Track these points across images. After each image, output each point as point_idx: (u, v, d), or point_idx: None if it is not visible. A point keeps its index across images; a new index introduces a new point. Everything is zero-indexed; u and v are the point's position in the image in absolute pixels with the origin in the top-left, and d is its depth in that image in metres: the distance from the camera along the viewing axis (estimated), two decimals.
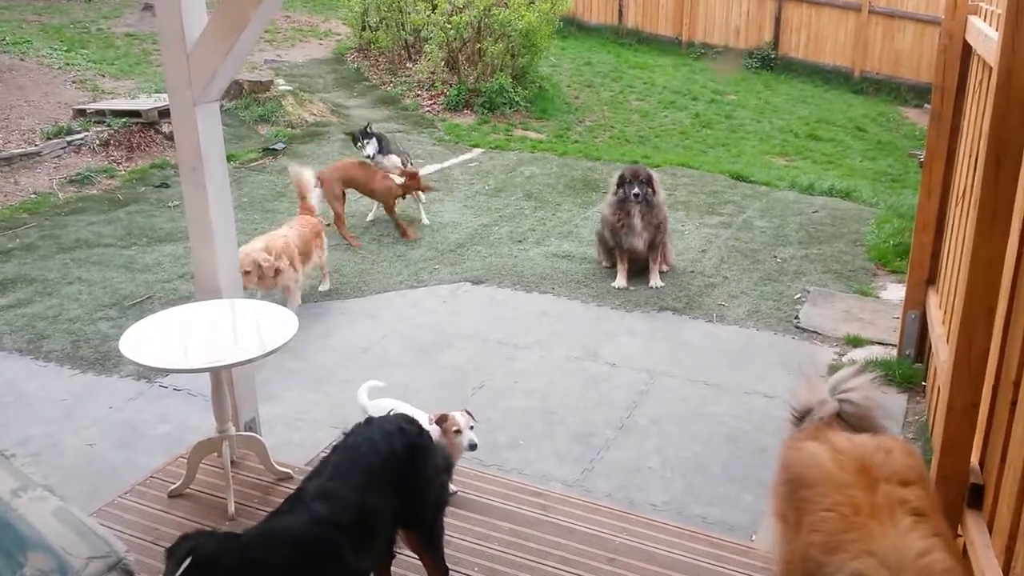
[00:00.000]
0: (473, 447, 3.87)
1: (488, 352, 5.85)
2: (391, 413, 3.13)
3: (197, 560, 2.38)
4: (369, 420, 3.05)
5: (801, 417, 3.14)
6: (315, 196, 6.90)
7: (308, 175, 6.79)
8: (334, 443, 2.99)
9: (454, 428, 3.85)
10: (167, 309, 4.17)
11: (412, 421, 3.08)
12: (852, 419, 3.00)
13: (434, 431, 3.75)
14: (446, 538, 3.57)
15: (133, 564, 2.78)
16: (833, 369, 5.46)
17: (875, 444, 2.78)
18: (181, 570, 2.35)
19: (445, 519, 3.27)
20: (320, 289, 6.81)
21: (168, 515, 3.89)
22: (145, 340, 3.77)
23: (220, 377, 3.91)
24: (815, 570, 2.53)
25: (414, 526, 2.99)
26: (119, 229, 8.14)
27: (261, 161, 10.30)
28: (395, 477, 2.86)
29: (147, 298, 6.60)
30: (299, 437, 4.77)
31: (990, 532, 3.21)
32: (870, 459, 2.69)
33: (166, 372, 5.32)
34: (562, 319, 6.37)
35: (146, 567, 3.54)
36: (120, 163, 9.92)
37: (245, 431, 4.32)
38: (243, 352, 3.67)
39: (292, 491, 2.87)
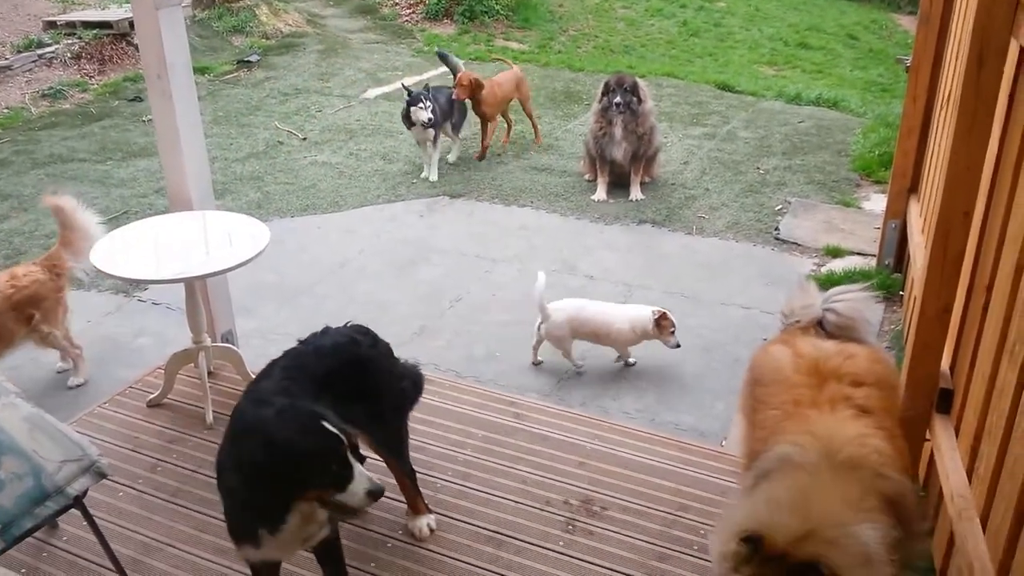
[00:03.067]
0: (678, 346, 4.57)
1: (466, 266, 5.83)
2: (348, 325, 3.12)
3: None
4: (325, 330, 3.05)
5: (787, 321, 3.14)
6: (83, 233, 4.35)
7: (72, 204, 4.35)
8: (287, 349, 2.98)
9: (669, 329, 4.54)
10: (138, 221, 4.13)
11: (367, 332, 3.09)
12: (835, 329, 2.97)
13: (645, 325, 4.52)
14: (420, 444, 3.65)
15: (107, 467, 2.81)
16: (811, 281, 5.48)
17: (838, 349, 2.77)
18: None
19: (413, 425, 3.34)
20: (70, 383, 4.52)
21: (147, 424, 3.93)
22: (117, 252, 3.76)
23: (193, 288, 3.90)
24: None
25: (373, 430, 3.02)
26: (93, 144, 8.00)
27: (235, 74, 10.07)
28: (345, 386, 2.85)
29: (123, 213, 6.53)
30: (275, 350, 4.63)
31: (957, 435, 3.27)
32: (826, 361, 2.69)
33: (141, 284, 5.31)
34: (541, 233, 6.33)
35: (126, 473, 3.61)
36: (92, 76, 9.70)
37: (222, 343, 4.33)
38: (215, 263, 3.66)
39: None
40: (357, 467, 2.34)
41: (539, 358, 4.73)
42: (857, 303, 3.05)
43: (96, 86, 9.50)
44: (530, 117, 8.08)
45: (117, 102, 9.12)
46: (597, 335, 4.64)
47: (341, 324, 3.14)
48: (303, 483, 2.32)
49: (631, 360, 4.71)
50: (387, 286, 5.58)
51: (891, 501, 2.32)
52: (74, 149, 7.85)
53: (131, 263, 3.72)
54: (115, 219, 6.36)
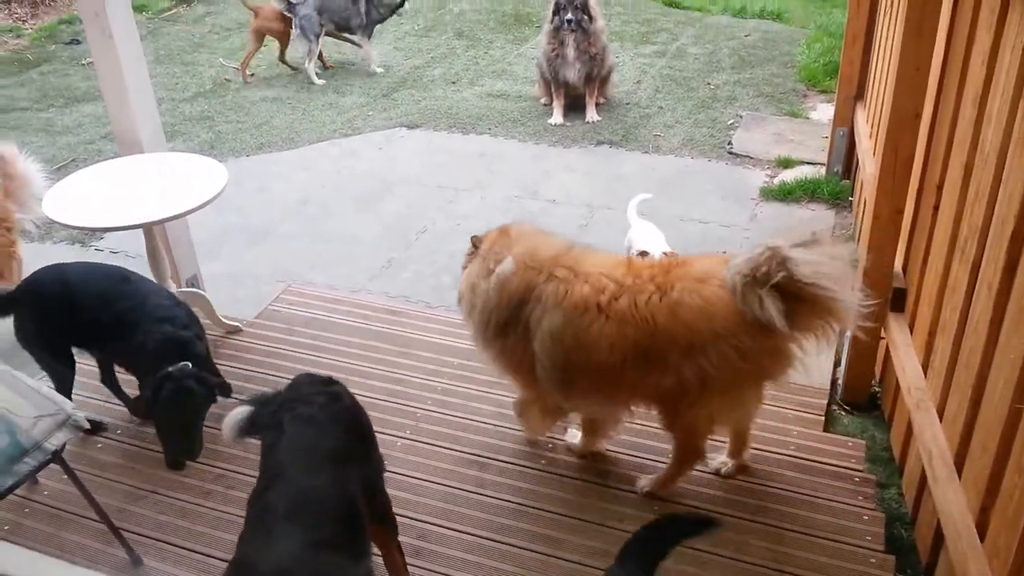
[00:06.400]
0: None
1: (428, 196, 5.83)
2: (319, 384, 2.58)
3: None
4: (299, 393, 2.48)
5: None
6: (24, 182, 4.13)
7: (11, 152, 4.13)
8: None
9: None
10: (89, 168, 4.04)
11: (330, 381, 2.56)
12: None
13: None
14: (399, 376, 3.76)
15: (83, 420, 2.79)
16: (764, 192, 5.58)
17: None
18: None
19: (391, 359, 3.58)
20: None
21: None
22: (70, 201, 3.68)
23: (152, 234, 3.85)
24: None
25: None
26: (33, 91, 7.77)
27: (174, 10, 9.76)
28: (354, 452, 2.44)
29: (71, 161, 6.38)
30: (244, 292, 4.76)
31: (911, 332, 3.40)
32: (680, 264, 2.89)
33: (97, 233, 5.22)
34: (500, 159, 6.33)
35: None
36: (25, 21, 9.40)
37: (187, 288, 4.30)
38: (172, 207, 3.60)
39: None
40: None
41: None
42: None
43: (30, 31, 9.19)
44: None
45: (54, 46, 8.83)
46: None
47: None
48: None
49: None
50: (352, 221, 5.56)
51: None
52: (13, 98, 7.61)
53: (85, 211, 3.64)
54: (63, 168, 6.22)
